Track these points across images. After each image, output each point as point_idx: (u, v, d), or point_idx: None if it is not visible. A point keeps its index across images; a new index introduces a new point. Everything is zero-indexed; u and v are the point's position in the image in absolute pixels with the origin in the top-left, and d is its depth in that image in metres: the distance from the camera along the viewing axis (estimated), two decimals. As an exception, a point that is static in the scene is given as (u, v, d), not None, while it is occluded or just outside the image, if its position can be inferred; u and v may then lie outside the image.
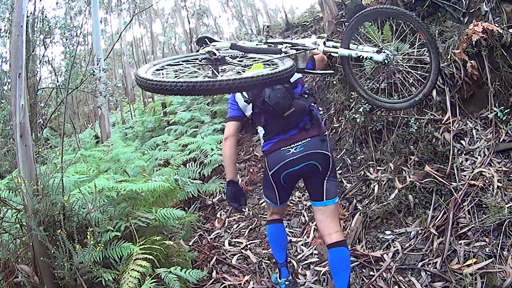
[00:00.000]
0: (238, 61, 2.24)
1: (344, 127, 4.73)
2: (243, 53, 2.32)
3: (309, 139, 2.40)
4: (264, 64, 2.17)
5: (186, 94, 1.78)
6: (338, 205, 2.92)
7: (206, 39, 2.58)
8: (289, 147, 2.40)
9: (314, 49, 2.50)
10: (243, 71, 2.10)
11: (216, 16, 21.45)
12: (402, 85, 3.41)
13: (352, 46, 2.50)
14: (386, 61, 2.33)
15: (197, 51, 2.52)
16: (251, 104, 2.48)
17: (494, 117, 3.27)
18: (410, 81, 3.54)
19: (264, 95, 2.34)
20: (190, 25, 11.27)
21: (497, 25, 3.38)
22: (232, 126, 2.62)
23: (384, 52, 2.32)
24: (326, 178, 2.44)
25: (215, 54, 2.12)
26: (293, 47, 2.39)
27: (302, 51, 2.38)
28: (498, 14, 3.57)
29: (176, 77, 2.05)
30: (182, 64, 2.23)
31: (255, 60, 2.23)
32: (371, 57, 2.43)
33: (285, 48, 2.30)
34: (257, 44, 2.52)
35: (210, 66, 2.16)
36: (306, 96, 2.52)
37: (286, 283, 2.87)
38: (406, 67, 2.79)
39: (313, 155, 2.38)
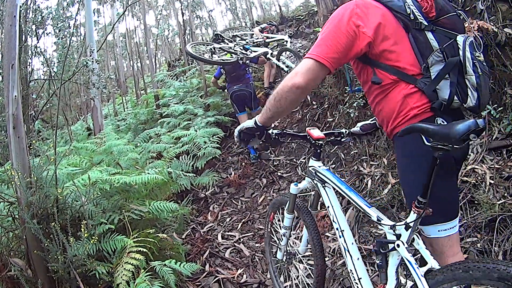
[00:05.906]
0: (220, 52, 5.37)
1: (338, 122, 4.74)
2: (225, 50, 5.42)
3: (241, 83, 5.58)
4: (230, 54, 5.22)
5: (198, 60, 5.55)
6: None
7: (219, 35, 5.93)
8: (235, 86, 5.59)
9: (261, 54, 5.30)
10: (224, 56, 5.31)
11: (210, 8, 21.33)
12: None
13: (282, 58, 5.27)
14: (288, 70, 5.01)
15: (213, 40, 5.94)
16: (222, 69, 5.90)
17: (487, 115, 3.29)
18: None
19: (224, 67, 5.66)
20: (183, 17, 11.12)
21: (492, 23, 3.40)
22: (214, 79, 6.52)
23: (288, 66, 4.99)
24: (252, 99, 5.71)
25: (212, 50, 5.27)
26: (243, 49, 5.32)
27: (239, 56, 5.02)
28: (494, 13, 3.57)
29: (196, 51, 5.22)
30: (203, 45, 5.60)
31: (228, 52, 5.29)
32: (282, 67, 5.07)
33: (235, 52, 5.11)
34: (229, 48, 5.36)
35: (210, 52, 5.25)
36: (245, 70, 5.64)
37: None
38: None
39: (244, 90, 5.61)
